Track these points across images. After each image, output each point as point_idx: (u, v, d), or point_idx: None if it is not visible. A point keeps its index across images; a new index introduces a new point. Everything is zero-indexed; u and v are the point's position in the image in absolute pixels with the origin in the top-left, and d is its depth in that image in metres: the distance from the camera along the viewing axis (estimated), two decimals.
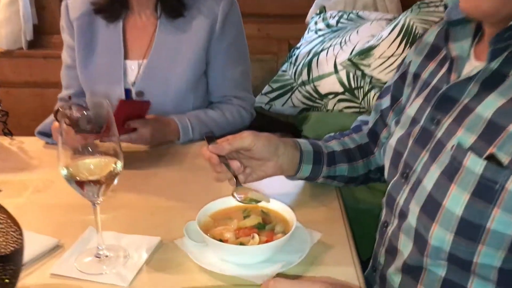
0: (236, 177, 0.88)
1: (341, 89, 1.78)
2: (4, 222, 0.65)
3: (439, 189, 0.70)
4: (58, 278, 0.79)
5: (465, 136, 0.69)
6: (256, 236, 0.79)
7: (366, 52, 1.72)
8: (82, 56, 1.38)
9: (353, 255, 0.84)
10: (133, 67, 1.36)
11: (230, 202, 0.88)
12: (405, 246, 0.78)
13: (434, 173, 0.72)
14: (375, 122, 1.03)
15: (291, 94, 1.89)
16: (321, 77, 1.80)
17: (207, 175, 0.94)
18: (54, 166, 0.78)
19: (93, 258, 0.84)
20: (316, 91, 1.83)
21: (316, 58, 1.83)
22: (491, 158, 0.65)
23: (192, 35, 1.34)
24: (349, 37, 1.82)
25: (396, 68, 1.10)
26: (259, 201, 0.86)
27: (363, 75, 1.72)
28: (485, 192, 0.65)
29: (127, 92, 1.35)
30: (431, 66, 0.85)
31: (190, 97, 1.36)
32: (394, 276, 0.82)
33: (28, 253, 0.75)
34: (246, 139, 0.89)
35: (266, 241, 0.78)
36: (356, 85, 1.75)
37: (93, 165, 0.80)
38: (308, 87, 1.84)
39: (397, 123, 0.91)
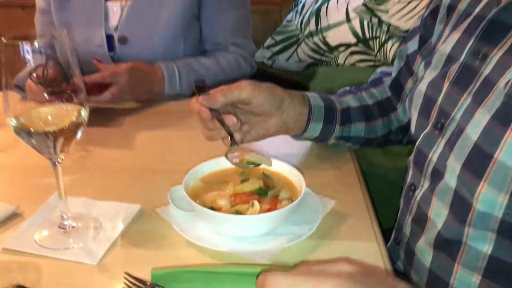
0: (231, 136, 0.76)
1: (353, 40, 1.65)
2: None
3: (488, 138, 0.60)
4: (12, 254, 0.67)
5: None
6: (256, 203, 0.68)
7: None
8: None
9: (374, 225, 0.74)
10: (115, 9, 1.23)
11: (224, 163, 0.77)
12: (439, 214, 0.67)
13: (481, 119, 0.61)
14: (399, 71, 0.92)
15: (297, 47, 1.76)
16: (331, 27, 1.68)
17: (197, 133, 0.82)
18: None
19: (57, 230, 0.71)
20: (325, 43, 1.71)
21: (325, 5, 1.69)
22: None
23: None
24: None
25: (420, 12, 0.96)
26: (258, 164, 0.76)
27: (380, 22, 1.58)
28: None
29: (109, 38, 1.22)
30: None
31: (180, 44, 1.22)
32: (424, 251, 0.71)
33: None
34: (244, 89, 0.77)
35: (269, 210, 0.68)
36: (371, 35, 1.61)
37: (50, 115, 0.65)
38: (316, 39, 1.72)
39: (427, 65, 0.79)
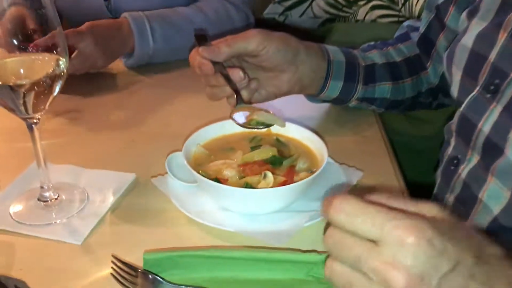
0: (237, 93, 0.68)
1: None
2: None
3: None
4: None
5: None
6: (270, 174, 0.59)
7: None
8: None
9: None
10: None
11: (231, 127, 0.68)
12: (497, 196, 0.57)
13: None
14: (428, 25, 0.83)
15: (312, 1, 1.66)
16: None
17: (198, 92, 0.73)
18: None
19: (36, 203, 0.61)
20: None
21: None
22: None
23: None
24: None
25: None
26: (270, 125, 0.67)
27: None
28: None
29: None
30: None
31: None
32: None
33: None
34: (253, 39, 0.69)
35: (284, 183, 0.58)
36: None
37: (22, 66, 0.55)
38: None
39: (471, 14, 0.69)
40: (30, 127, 0.57)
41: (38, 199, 0.60)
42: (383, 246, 0.34)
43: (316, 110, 0.86)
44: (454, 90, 0.68)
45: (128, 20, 0.97)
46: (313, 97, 0.81)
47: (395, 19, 1.51)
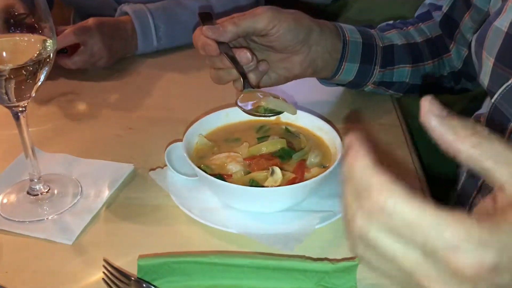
0: (244, 77, 0.62)
1: None
2: None
3: None
4: None
5: None
6: (278, 170, 0.54)
7: None
8: None
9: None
10: None
11: (236, 114, 0.63)
12: None
13: None
14: (452, 4, 0.78)
15: None
16: None
17: (202, 74, 0.69)
18: None
19: (25, 196, 0.57)
20: None
21: None
22: None
23: None
24: None
25: None
26: (279, 113, 0.62)
27: None
28: None
29: None
30: None
31: None
32: None
33: None
34: (261, 17, 0.64)
35: (293, 180, 0.53)
36: None
37: (5, 49, 0.49)
38: None
39: None
40: (16, 116, 0.52)
41: (28, 193, 0.56)
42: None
43: (330, 95, 0.81)
44: (484, 78, 0.62)
45: (130, 18, 0.92)
46: (326, 80, 0.77)
47: None
